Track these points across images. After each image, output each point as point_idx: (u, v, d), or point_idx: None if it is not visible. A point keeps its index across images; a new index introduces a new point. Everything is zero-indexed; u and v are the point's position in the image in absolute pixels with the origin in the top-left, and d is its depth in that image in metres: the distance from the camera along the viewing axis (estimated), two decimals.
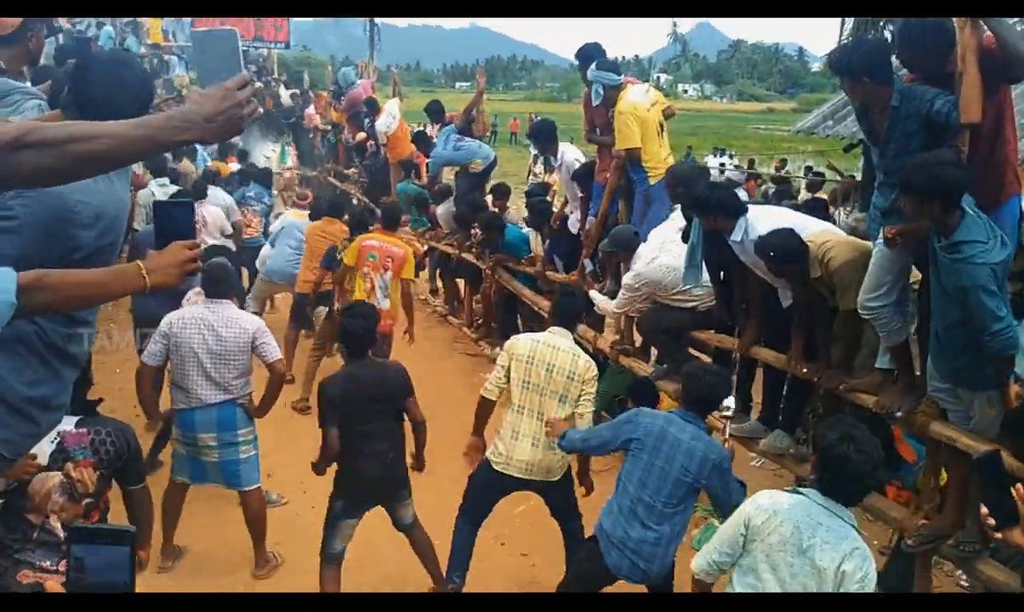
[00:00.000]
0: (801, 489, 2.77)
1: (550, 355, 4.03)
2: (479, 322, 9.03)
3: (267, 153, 14.83)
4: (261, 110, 1.88)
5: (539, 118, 9.07)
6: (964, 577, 4.41)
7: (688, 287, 5.07)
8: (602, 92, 5.92)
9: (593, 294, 6.09)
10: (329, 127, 15.95)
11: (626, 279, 5.36)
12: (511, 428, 4.05)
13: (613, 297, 5.71)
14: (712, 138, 38.21)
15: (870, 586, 2.70)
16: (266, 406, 4.46)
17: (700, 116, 58.58)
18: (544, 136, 7.28)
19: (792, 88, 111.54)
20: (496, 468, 4.06)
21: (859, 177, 10.06)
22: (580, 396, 4.03)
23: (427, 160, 10.19)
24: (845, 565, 2.64)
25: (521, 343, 4.13)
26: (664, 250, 5.17)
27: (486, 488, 4.16)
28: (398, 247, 6.39)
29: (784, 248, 4.06)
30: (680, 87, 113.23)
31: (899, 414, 3.82)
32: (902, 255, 3.75)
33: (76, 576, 1.30)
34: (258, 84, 16.90)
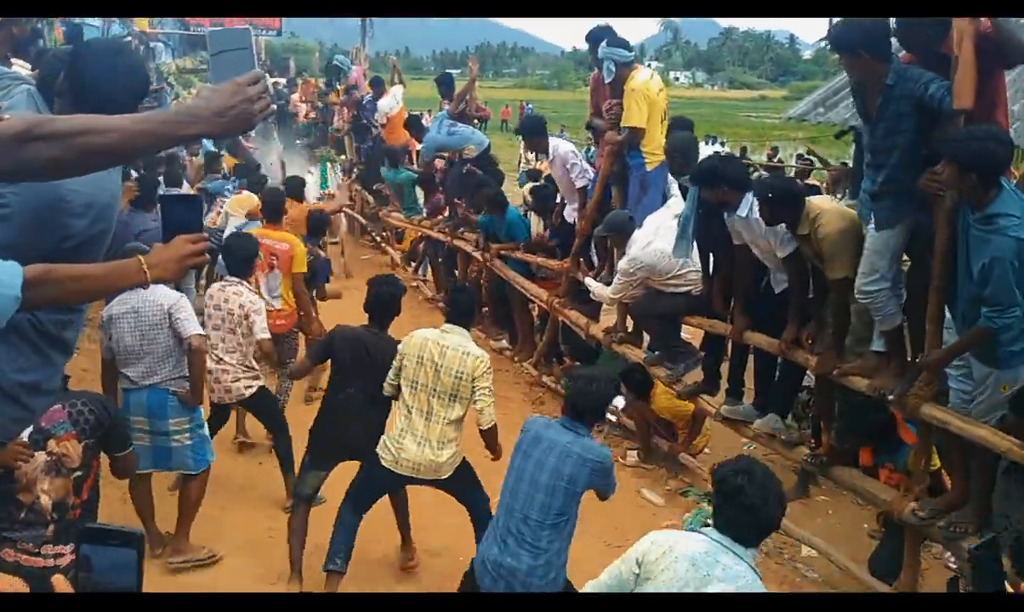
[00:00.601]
0: (700, 530, 2.60)
1: (438, 354, 3.87)
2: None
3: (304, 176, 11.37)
4: (274, 107, 1.89)
5: (531, 107, 8.96)
6: (952, 559, 4.46)
7: (683, 272, 5.10)
8: (614, 69, 5.82)
9: (588, 281, 6.09)
10: (315, 113, 15.79)
11: (621, 264, 5.37)
12: (399, 428, 3.93)
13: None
14: (704, 126, 38.05)
15: None
16: (194, 389, 4.29)
17: (692, 104, 58.49)
18: (533, 131, 7.10)
19: (783, 76, 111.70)
20: (386, 466, 3.94)
21: (850, 165, 10.09)
22: (474, 392, 3.89)
23: (420, 145, 10.16)
24: None
25: (413, 341, 3.97)
26: (659, 235, 5.18)
27: (374, 483, 4.05)
28: (282, 242, 5.77)
29: (782, 190, 4.15)
30: (671, 75, 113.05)
31: (891, 397, 3.86)
32: (894, 239, 3.80)
33: (83, 575, 1.32)
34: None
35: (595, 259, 6.66)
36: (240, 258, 4.95)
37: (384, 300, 4.21)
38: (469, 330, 4.06)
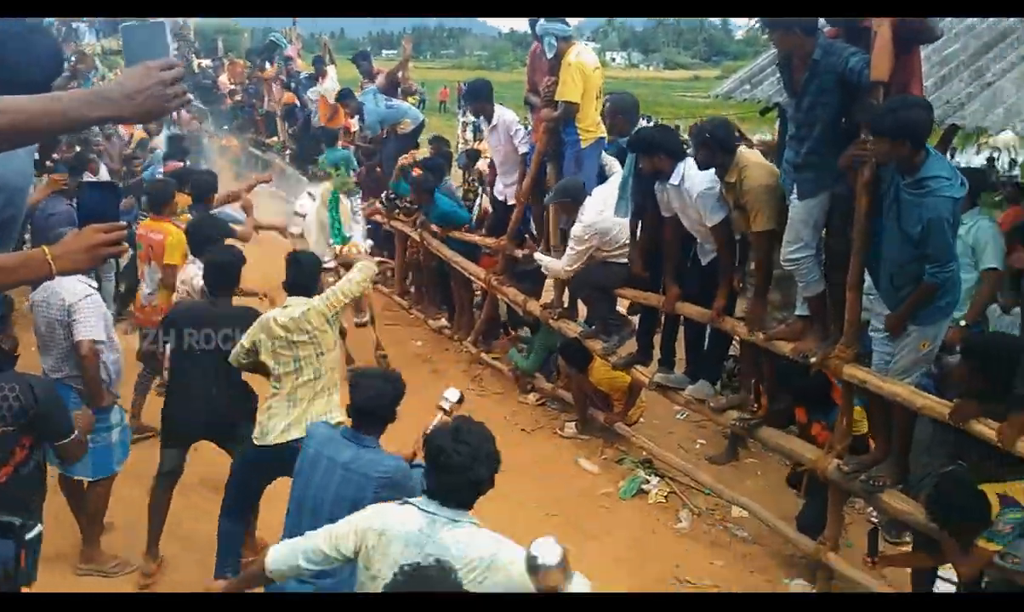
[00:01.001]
0: (409, 500, 2.49)
1: (283, 333, 3.74)
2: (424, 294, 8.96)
3: (302, 204, 7.21)
4: (190, 96, 1.85)
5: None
6: (873, 512, 4.68)
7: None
8: (555, 44, 5.78)
9: (538, 256, 6.10)
10: (242, 95, 15.40)
11: (575, 230, 5.41)
12: (267, 404, 3.84)
13: None
14: (640, 106, 38.49)
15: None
16: (91, 393, 4.05)
17: (628, 84, 58.78)
18: (480, 95, 6.99)
19: (716, 56, 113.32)
20: (256, 443, 3.80)
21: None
22: (334, 317, 3.78)
23: (353, 125, 10.01)
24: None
25: (261, 324, 3.80)
26: (608, 206, 5.22)
27: (246, 470, 3.92)
28: (157, 233, 5.45)
29: (719, 136, 4.26)
30: (608, 55, 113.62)
31: (814, 360, 4.02)
32: (817, 208, 3.95)
33: None
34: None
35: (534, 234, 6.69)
36: (196, 241, 4.80)
37: (217, 266, 4.16)
38: (312, 296, 3.87)
